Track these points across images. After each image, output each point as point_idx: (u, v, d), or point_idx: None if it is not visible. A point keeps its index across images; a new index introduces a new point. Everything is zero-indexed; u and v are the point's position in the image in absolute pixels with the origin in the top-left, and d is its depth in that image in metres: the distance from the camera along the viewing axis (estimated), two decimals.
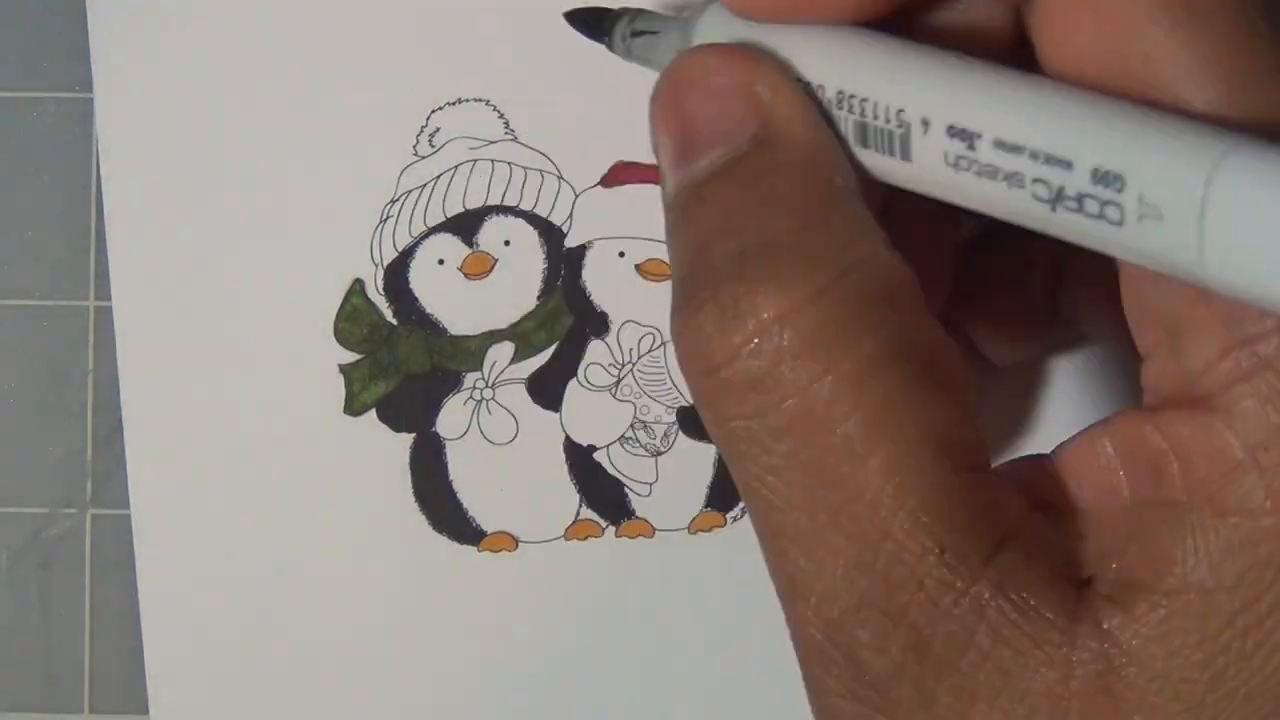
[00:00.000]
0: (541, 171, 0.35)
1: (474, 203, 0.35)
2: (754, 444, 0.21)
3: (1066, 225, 0.19)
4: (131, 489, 0.36)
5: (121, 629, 0.37)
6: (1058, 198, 0.19)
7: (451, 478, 0.36)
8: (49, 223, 0.37)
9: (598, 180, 0.35)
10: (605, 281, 0.36)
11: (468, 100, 0.35)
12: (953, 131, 0.20)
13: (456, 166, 0.35)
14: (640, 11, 0.28)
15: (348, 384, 0.36)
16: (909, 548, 0.20)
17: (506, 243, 0.35)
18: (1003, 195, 0.20)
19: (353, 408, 0.36)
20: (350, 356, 0.36)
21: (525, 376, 0.36)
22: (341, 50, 0.35)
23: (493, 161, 0.35)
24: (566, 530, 0.36)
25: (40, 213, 0.37)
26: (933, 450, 0.21)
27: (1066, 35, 0.20)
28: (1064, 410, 0.34)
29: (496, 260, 0.36)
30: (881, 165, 0.22)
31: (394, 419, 0.36)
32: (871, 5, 0.22)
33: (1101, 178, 0.18)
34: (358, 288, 0.35)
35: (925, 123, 0.21)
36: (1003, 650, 0.20)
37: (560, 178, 0.35)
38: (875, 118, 0.21)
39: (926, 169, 0.21)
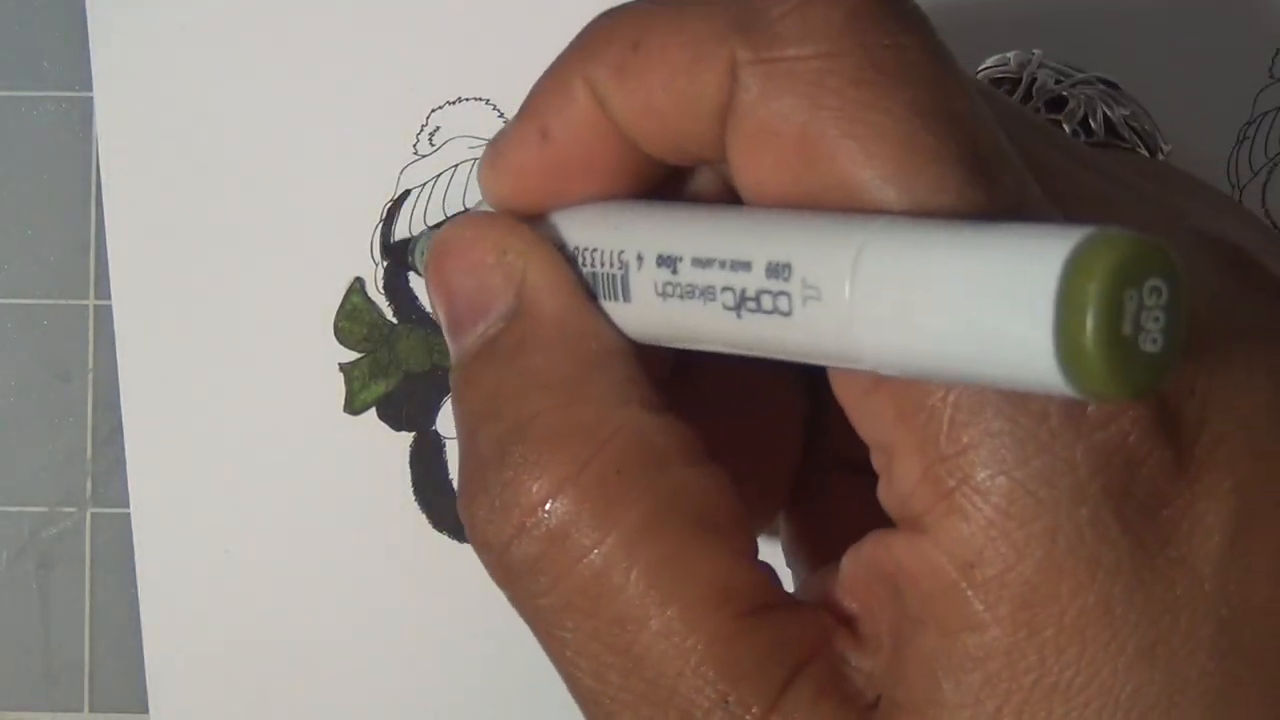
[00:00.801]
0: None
1: (474, 201, 0.35)
2: (545, 620, 0.22)
3: (749, 332, 0.20)
4: (131, 488, 0.36)
5: (121, 628, 0.37)
6: (741, 302, 0.20)
7: (452, 476, 0.36)
8: (49, 223, 0.37)
9: None
10: None
11: (468, 100, 0.35)
12: (660, 260, 0.21)
13: (457, 165, 0.35)
14: (425, 232, 0.30)
15: (348, 383, 0.36)
16: (695, 702, 0.21)
17: None
18: (700, 315, 0.21)
19: (353, 406, 0.36)
20: (350, 355, 0.36)
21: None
22: (341, 50, 0.35)
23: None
24: None
25: (40, 213, 0.37)
26: (711, 602, 0.21)
27: (749, 164, 0.21)
28: None
29: None
30: (612, 314, 0.23)
31: (394, 418, 0.36)
32: (607, 187, 0.23)
33: (774, 270, 0.19)
34: (358, 286, 0.36)
35: (640, 258, 0.22)
36: None
37: None
38: (602, 264, 0.22)
39: (643, 305, 0.22)
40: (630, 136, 0.23)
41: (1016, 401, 0.19)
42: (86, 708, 0.37)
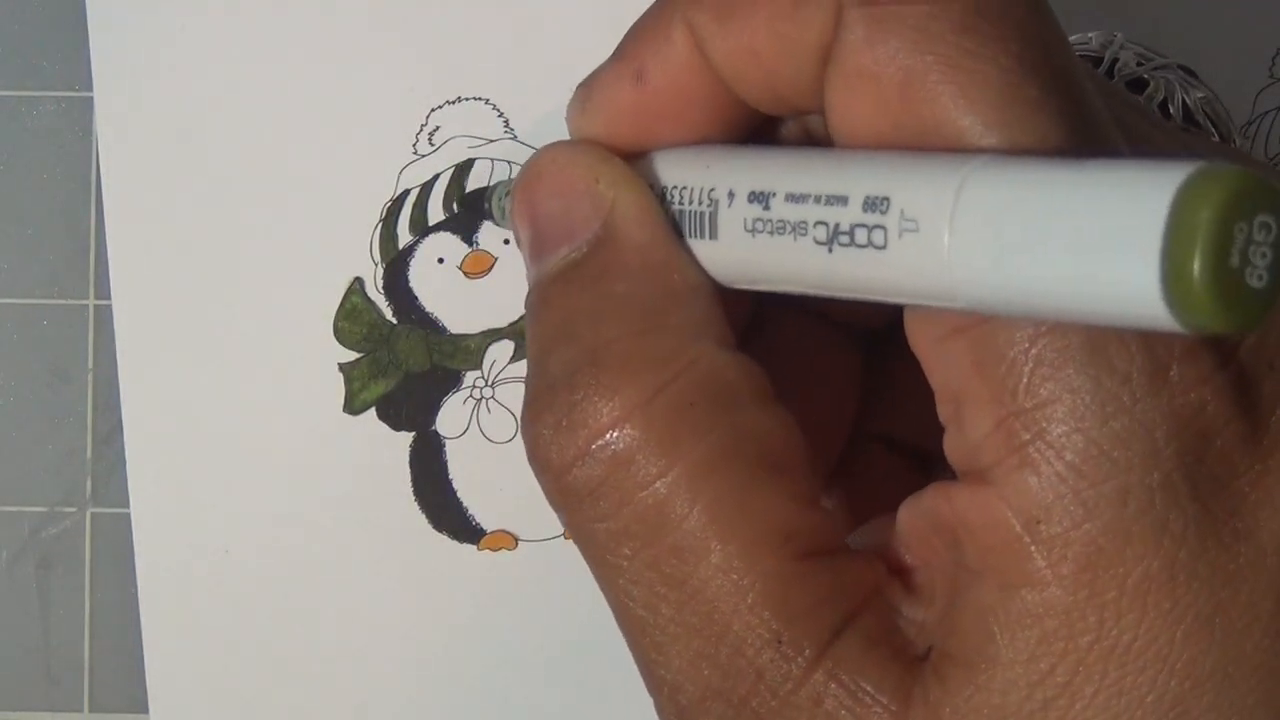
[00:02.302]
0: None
1: (473, 201, 0.35)
2: (600, 545, 0.22)
3: (838, 268, 0.20)
4: (131, 488, 0.36)
5: (121, 628, 0.37)
6: (833, 236, 0.20)
7: (451, 476, 0.36)
8: (49, 223, 0.37)
9: None
10: None
11: (468, 99, 0.35)
12: (753, 196, 0.21)
13: (456, 165, 0.35)
14: (502, 183, 0.30)
15: (347, 383, 0.36)
16: (748, 640, 0.21)
17: (506, 241, 0.35)
18: (789, 251, 0.21)
19: (352, 406, 0.36)
20: (350, 355, 0.36)
21: (525, 375, 0.36)
22: (342, 50, 0.35)
23: (492, 160, 0.35)
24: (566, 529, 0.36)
25: (40, 213, 0.37)
26: (771, 542, 0.21)
27: (851, 108, 0.21)
28: None
29: (496, 259, 0.36)
30: (697, 252, 0.23)
31: (393, 418, 0.36)
32: (700, 133, 0.24)
33: (871, 203, 0.19)
34: (357, 286, 0.36)
35: (730, 194, 0.22)
36: None
37: None
38: (691, 202, 0.23)
39: (730, 242, 0.22)
40: (727, 81, 0.23)
41: (1100, 360, 0.19)
42: (86, 708, 0.37)
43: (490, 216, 0.30)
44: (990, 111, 0.19)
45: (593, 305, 0.22)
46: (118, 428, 0.36)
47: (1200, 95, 0.33)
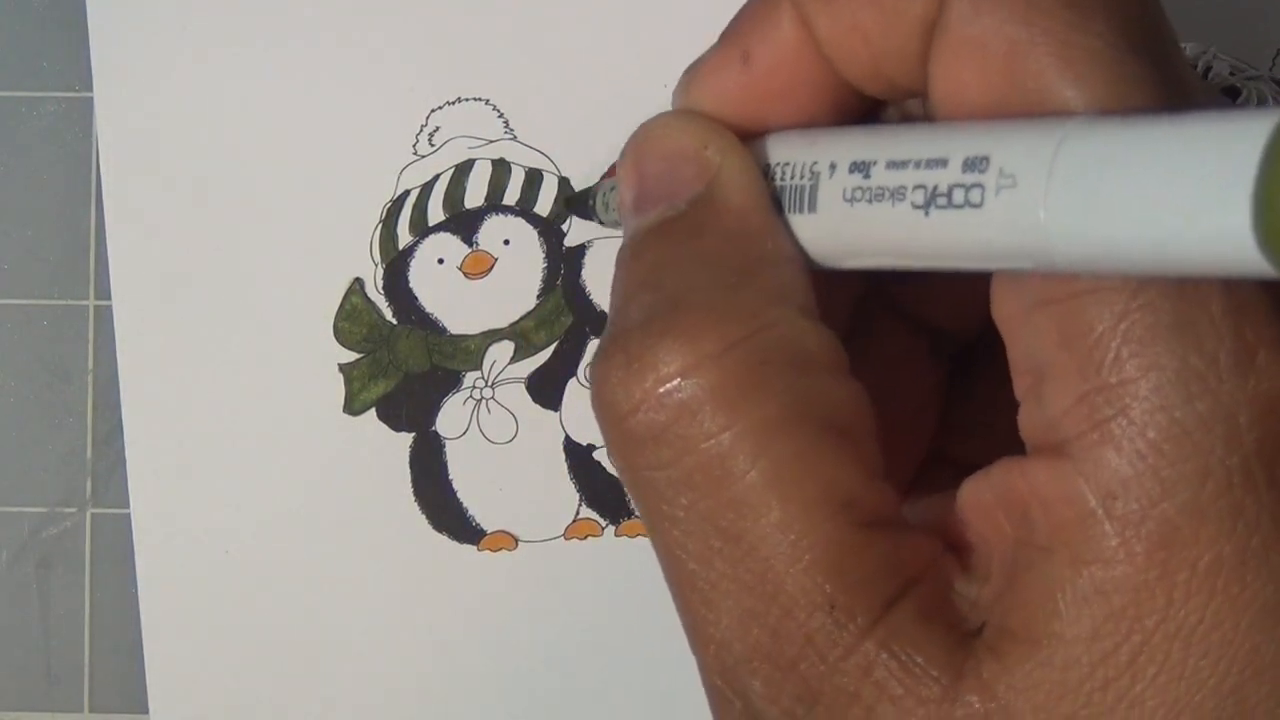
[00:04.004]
0: (541, 171, 0.35)
1: (473, 202, 0.35)
2: (657, 494, 0.22)
3: (935, 232, 0.20)
4: (131, 488, 0.36)
5: (121, 629, 0.37)
6: (931, 199, 0.20)
7: (451, 477, 0.36)
8: (49, 223, 0.37)
9: (599, 179, 0.35)
10: (605, 280, 0.35)
11: (468, 100, 0.35)
12: (854, 166, 0.22)
13: (456, 165, 0.35)
14: (612, 181, 0.29)
15: (347, 383, 0.36)
16: (800, 603, 0.21)
17: (506, 242, 0.35)
18: (885, 218, 0.21)
19: (352, 407, 0.36)
20: (350, 356, 0.36)
21: (525, 376, 0.36)
22: (342, 50, 0.35)
23: (492, 160, 0.35)
24: (566, 529, 0.36)
25: (40, 213, 0.37)
26: (832, 507, 0.21)
27: (956, 78, 0.21)
28: None
29: (496, 259, 0.36)
30: (795, 227, 0.23)
31: (394, 418, 0.36)
32: (804, 117, 0.24)
33: (970, 164, 0.20)
34: (357, 287, 0.36)
35: (832, 166, 0.22)
36: (886, 707, 0.20)
37: (560, 177, 0.35)
38: (792, 177, 0.23)
39: (828, 213, 0.22)
40: (833, 61, 0.23)
41: (1188, 339, 0.19)
42: (86, 708, 0.37)
43: (593, 216, 0.30)
44: (1095, 83, 0.19)
45: (683, 257, 0.23)
46: (118, 428, 0.36)
47: None
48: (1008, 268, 0.20)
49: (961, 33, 0.21)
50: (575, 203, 0.34)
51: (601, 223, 0.30)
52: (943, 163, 0.20)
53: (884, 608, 0.21)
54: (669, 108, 0.25)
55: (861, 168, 0.21)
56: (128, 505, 0.36)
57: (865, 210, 0.21)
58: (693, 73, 0.25)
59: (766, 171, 0.23)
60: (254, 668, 0.36)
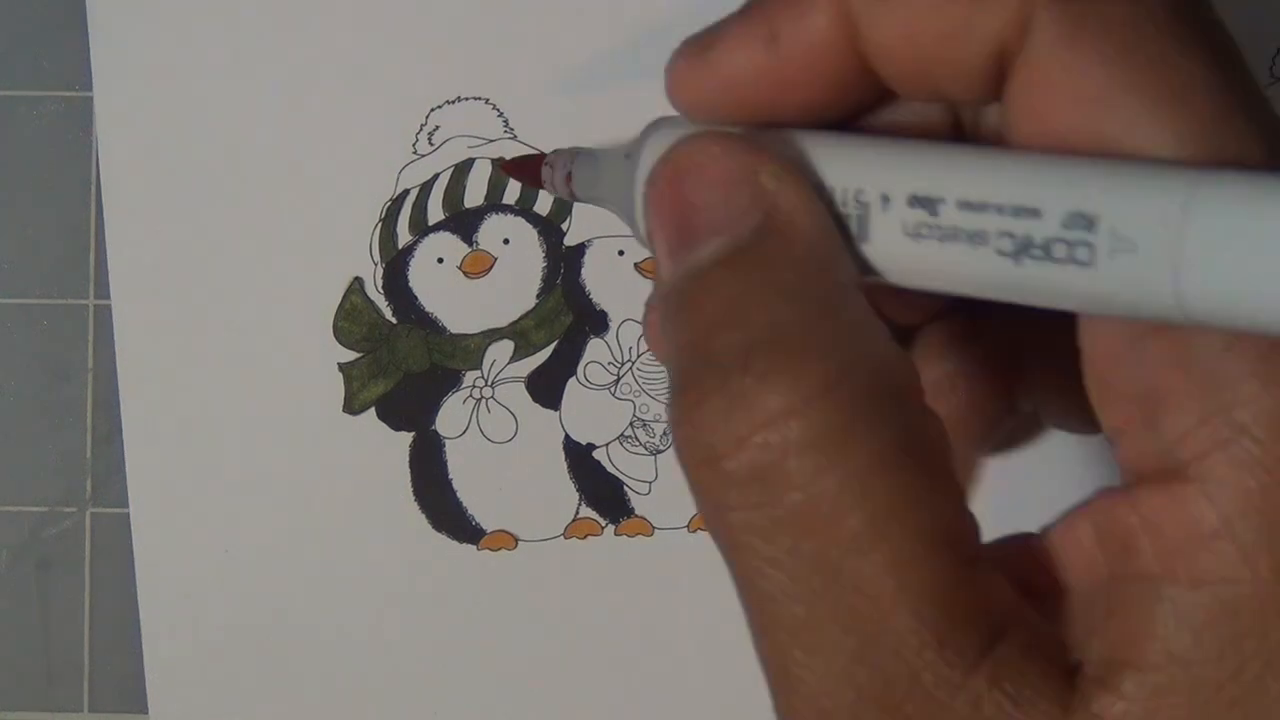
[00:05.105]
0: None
1: (473, 201, 0.35)
2: (754, 535, 0.21)
3: (1028, 279, 0.19)
4: (131, 488, 0.36)
5: (121, 629, 0.37)
6: (1024, 249, 0.19)
7: (451, 476, 0.36)
8: (49, 223, 0.37)
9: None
10: (604, 280, 0.36)
11: (467, 99, 0.35)
12: (914, 200, 0.21)
13: (456, 165, 0.35)
14: (574, 151, 0.28)
15: (347, 382, 0.36)
16: (908, 642, 0.20)
17: (506, 241, 0.35)
18: (962, 258, 0.20)
19: (352, 406, 0.36)
20: (349, 355, 0.36)
21: (524, 375, 0.36)
22: (341, 49, 0.35)
23: (492, 160, 0.35)
24: (566, 528, 0.36)
25: (40, 213, 0.37)
26: (934, 545, 0.21)
27: (1043, 112, 0.20)
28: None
29: (496, 259, 0.36)
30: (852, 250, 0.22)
31: (393, 417, 0.36)
32: (819, 107, 0.23)
33: (1072, 221, 0.19)
34: (357, 286, 0.36)
35: (885, 198, 0.21)
36: None
37: None
38: (842, 205, 0.22)
39: (886, 246, 0.21)
40: (873, 59, 0.22)
41: None
42: (86, 708, 0.37)
43: (550, 190, 0.28)
44: (1202, 120, 0.19)
45: (761, 292, 0.22)
46: (118, 428, 0.36)
47: None
48: (1118, 315, 0.20)
49: (1053, 61, 0.20)
50: (523, 168, 0.31)
51: (552, 192, 0.28)
52: (1035, 213, 0.19)
53: (990, 644, 0.20)
54: (668, 103, 0.24)
55: (925, 204, 0.20)
56: (128, 505, 0.36)
57: (937, 248, 0.20)
58: (700, 45, 0.23)
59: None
60: (254, 668, 0.36)
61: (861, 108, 0.23)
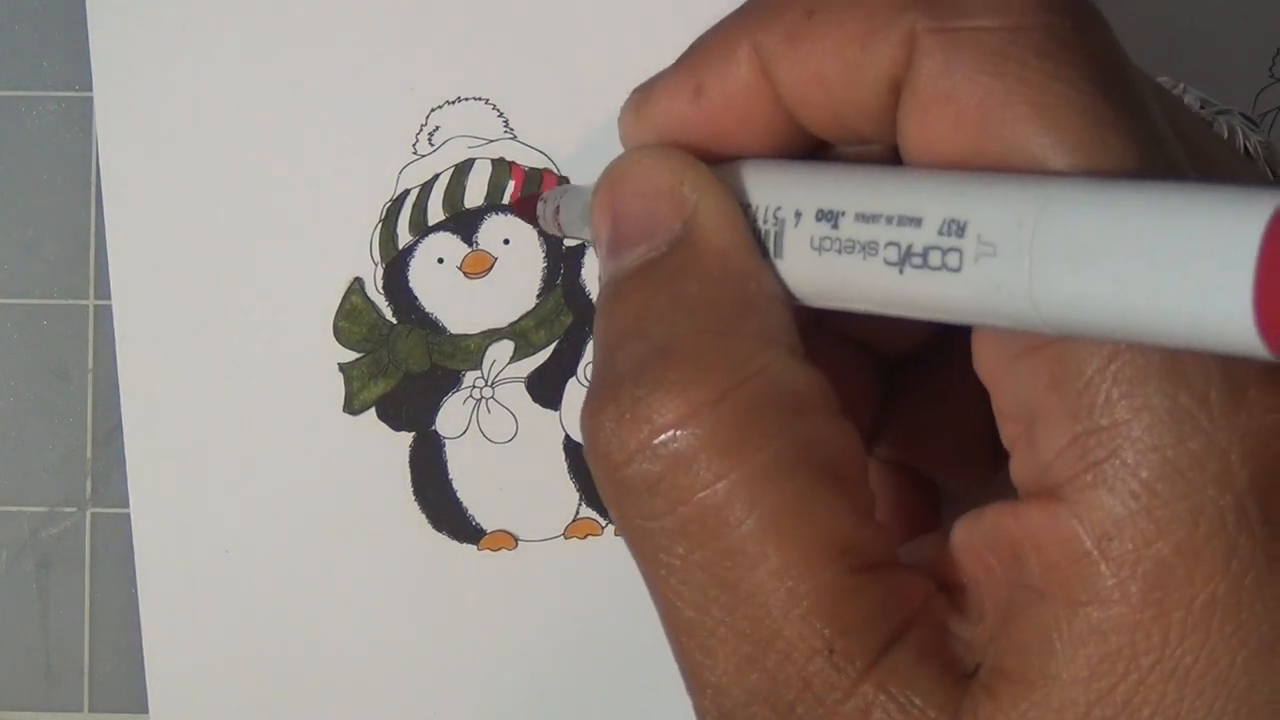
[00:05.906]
0: (541, 171, 0.35)
1: (473, 201, 0.36)
2: (652, 543, 0.22)
3: (910, 289, 0.20)
4: (131, 488, 0.36)
5: (121, 628, 0.37)
6: (905, 257, 0.20)
7: (451, 476, 0.36)
8: (49, 223, 0.37)
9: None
10: None
11: (468, 99, 0.35)
12: (821, 214, 0.21)
13: (456, 165, 0.35)
14: (563, 189, 0.29)
15: (347, 383, 0.36)
16: (798, 648, 0.21)
17: (506, 241, 0.36)
18: (857, 271, 0.21)
19: (352, 406, 0.36)
20: (350, 355, 0.36)
21: (525, 375, 0.36)
22: (341, 50, 0.35)
23: (492, 160, 0.35)
24: (566, 528, 0.36)
25: (40, 213, 0.37)
26: (828, 553, 0.21)
27: (928, 136, 0.21)
28: None
29: (496, 259, 0.36)
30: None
31: (393, 418, 0.36)
32: (751, 152, 0.24)
33: (947, 227, 0.19)
34: (357, 286, 0.36)
35: (798, 214, 0.22)
36: None
37: (560, 177, 0.35)
38: (762, 221, 0.23)
39: (796, 260, 0.22)
40: (791, 106, 0.23)
41: (1178, 379, 0.19)
42: (86, 708, 0.37)
43: (542, 223, 0.30)
44: (1072, 135, 0.19)
45: (667, 303, 0.22)
46: (118, 428, 0.36)
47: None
48: (988, 325, 0.20)
49: (934, 86, 0.20)
50: (525, 206, 0.34)
51: (547, 231, 0.30)
52: (916, 221, 0.20)
53: (881, 650, 0.21)
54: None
55: (829, 217, 0.21)
56: (128, 505, 0.36)
57: (835, 260, 0.21)
58: (642, 95, 0.24)
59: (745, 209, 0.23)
60: (254, 668, 0.36)
61: (801, 152, 0.24)
